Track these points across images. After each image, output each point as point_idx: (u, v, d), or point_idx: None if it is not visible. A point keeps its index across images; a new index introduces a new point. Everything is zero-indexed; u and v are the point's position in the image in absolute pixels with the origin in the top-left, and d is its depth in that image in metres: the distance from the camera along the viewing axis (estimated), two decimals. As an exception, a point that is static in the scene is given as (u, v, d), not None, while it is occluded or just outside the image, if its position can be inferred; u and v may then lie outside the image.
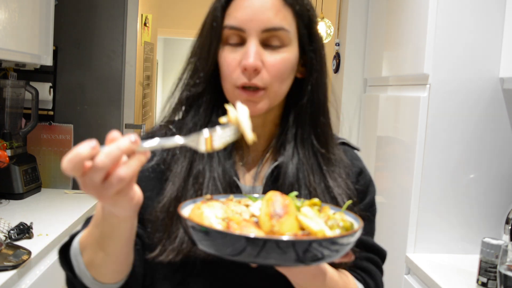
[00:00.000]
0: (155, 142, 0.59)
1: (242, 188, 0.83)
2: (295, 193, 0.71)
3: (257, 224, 0.62)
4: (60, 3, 2.56)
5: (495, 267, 1.45)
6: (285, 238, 0.56)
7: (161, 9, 5.35)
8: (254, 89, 0.79)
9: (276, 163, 0.84)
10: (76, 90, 2.73)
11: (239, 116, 0.67)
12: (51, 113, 2.71)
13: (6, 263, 1.43)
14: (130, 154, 0.57)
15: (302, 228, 0.62)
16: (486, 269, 1.47)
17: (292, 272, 0.71)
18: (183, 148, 0.82)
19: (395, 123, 2.09)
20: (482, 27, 1.76)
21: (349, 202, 0.75)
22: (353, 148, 0.96)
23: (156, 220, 0.79)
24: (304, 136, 0.85)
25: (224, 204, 0.66)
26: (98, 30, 2.73)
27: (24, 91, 2.44)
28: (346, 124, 2.61)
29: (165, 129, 0.89)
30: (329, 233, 0.61)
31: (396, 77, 2.17)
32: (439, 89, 1.78)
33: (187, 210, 0.66)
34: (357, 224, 0.65)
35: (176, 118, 0.89)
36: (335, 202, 0.81)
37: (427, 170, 1.80)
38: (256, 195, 0.73)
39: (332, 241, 0.58)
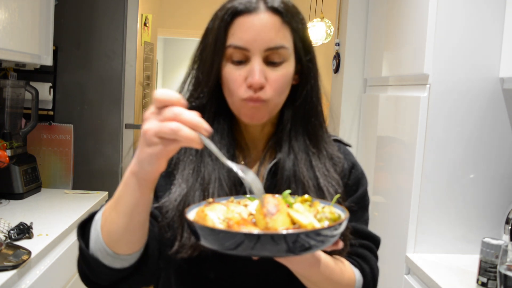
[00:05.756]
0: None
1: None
2: (288, 191, 0.77)
3: (255, 223, 0.69)
4: (60, 3, 2.56)
5: (495, 267, 1.45)
6: (276, 232, 0.63)
7: (161, 9, 5.35)
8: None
9: (274, 161, 0.92)
10: (76, 90, 2.74)
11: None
12: (51, 113, 2.71)
13: (6, 263, 1.43)
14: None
15: (293, 223, 0.68)
16: (486, 269, 1.48)
17: (290, 262, 0.77)
18: (187, 152, 0.90)
19: (395, 123, 2.09)
20: (482, 27, 1.76)
21: (337, 196, 0.81)
22: (345, 144, 1.04)
23: (167, 218, 0.86)
24: (298, 135, 0.93)
25: (225, 206, 0.73)
26: (98, 30, 2.74)
27: (24, 91, 2.44)
28: (346, 124, 2.61)
29: None
30: (318, 226, 0.67)
31: (396, 77, 2.17)
32: (439, 89, 1.78)
33: (192, 214, 0.74)
34: (343, 216, 0.71)
35: None
36: (321, 192, 0.89)
37: (427, 170, 1.80)
38: (254, 195, 0.79)
39: (318, 232, 0.65)
